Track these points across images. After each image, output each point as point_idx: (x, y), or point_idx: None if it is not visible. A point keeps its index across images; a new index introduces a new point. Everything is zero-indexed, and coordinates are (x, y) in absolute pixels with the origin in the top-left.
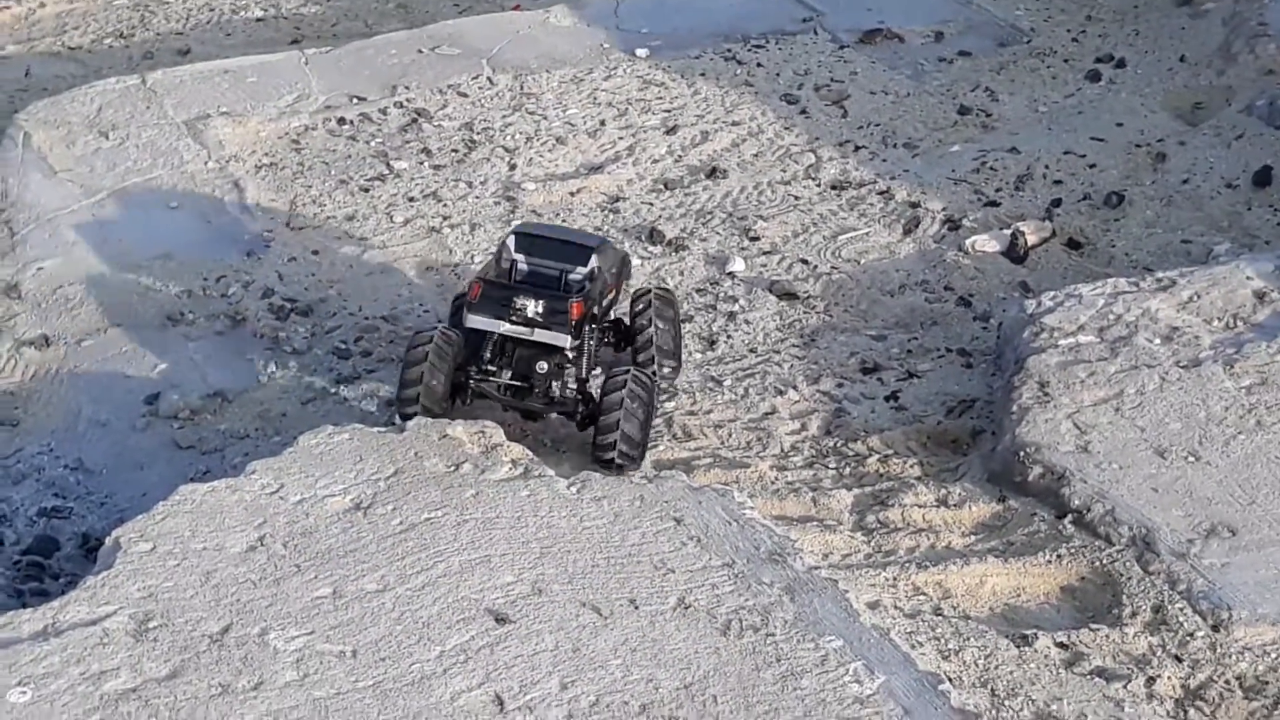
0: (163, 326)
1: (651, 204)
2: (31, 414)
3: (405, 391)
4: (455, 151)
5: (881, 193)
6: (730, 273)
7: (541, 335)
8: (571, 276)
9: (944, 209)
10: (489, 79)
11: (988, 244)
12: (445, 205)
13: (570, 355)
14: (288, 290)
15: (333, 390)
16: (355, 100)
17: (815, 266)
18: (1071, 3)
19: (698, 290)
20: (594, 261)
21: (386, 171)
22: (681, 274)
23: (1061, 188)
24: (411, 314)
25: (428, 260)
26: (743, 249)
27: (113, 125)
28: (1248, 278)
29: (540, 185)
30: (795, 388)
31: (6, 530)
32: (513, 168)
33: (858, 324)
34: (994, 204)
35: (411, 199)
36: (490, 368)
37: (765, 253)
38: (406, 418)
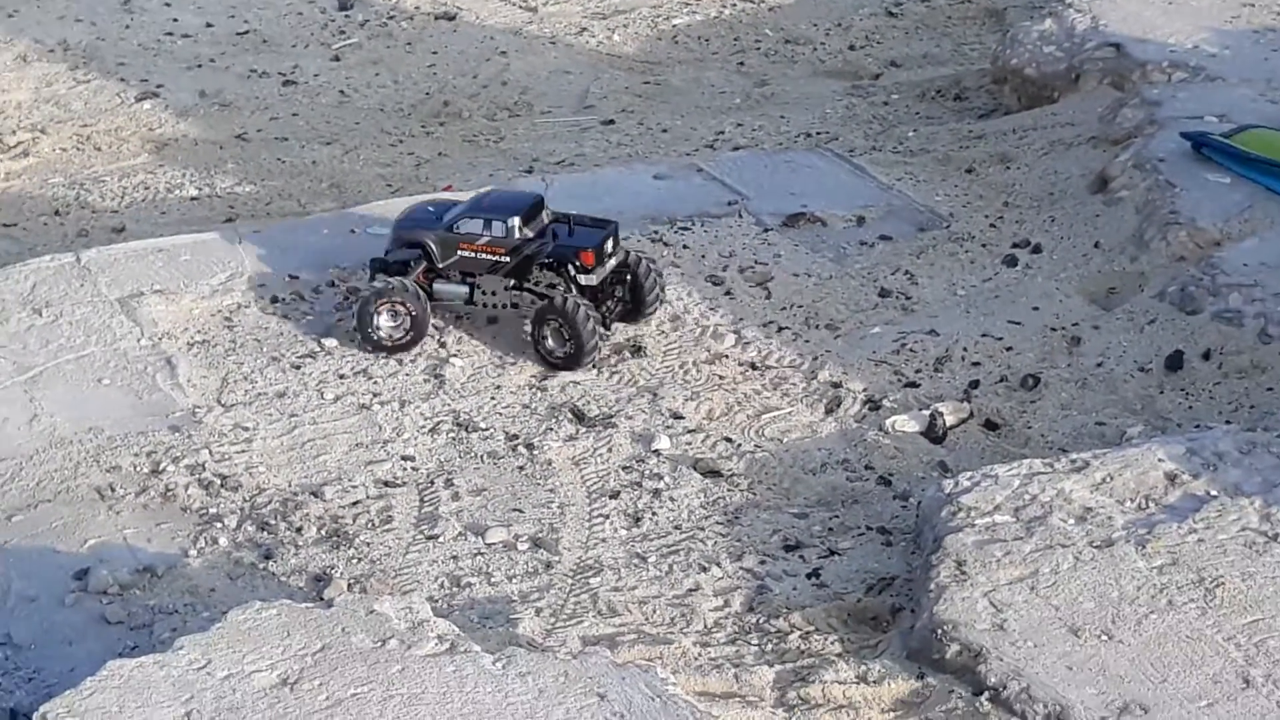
0: (93, 502)
1: (578, 382)
2: None
3: (590, 345)
4: None
5: (804, 373)
6: (655, 450)
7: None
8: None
9: (865, 389)
10: None
11: (907, 424)
12: (375, 382)
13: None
14: (217, 466)
15: (261, 565)
16: (288, 279)
17: (739, 445)
18: (989, 189)
19: (623, 468)
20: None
21: (318, 349)
22: (609, 450)
23: (979, 369)
24: (340, 489)
25: (357, 437)
26: (668, 427)
27: (46, 302)
28: (1159, 460)
29: (468, 362)
30: (719, 564)
31: None
32: (442, 345)
33: (780, 502)
34: (914, 385)
35: (342, 376)
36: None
37: (690, 431)
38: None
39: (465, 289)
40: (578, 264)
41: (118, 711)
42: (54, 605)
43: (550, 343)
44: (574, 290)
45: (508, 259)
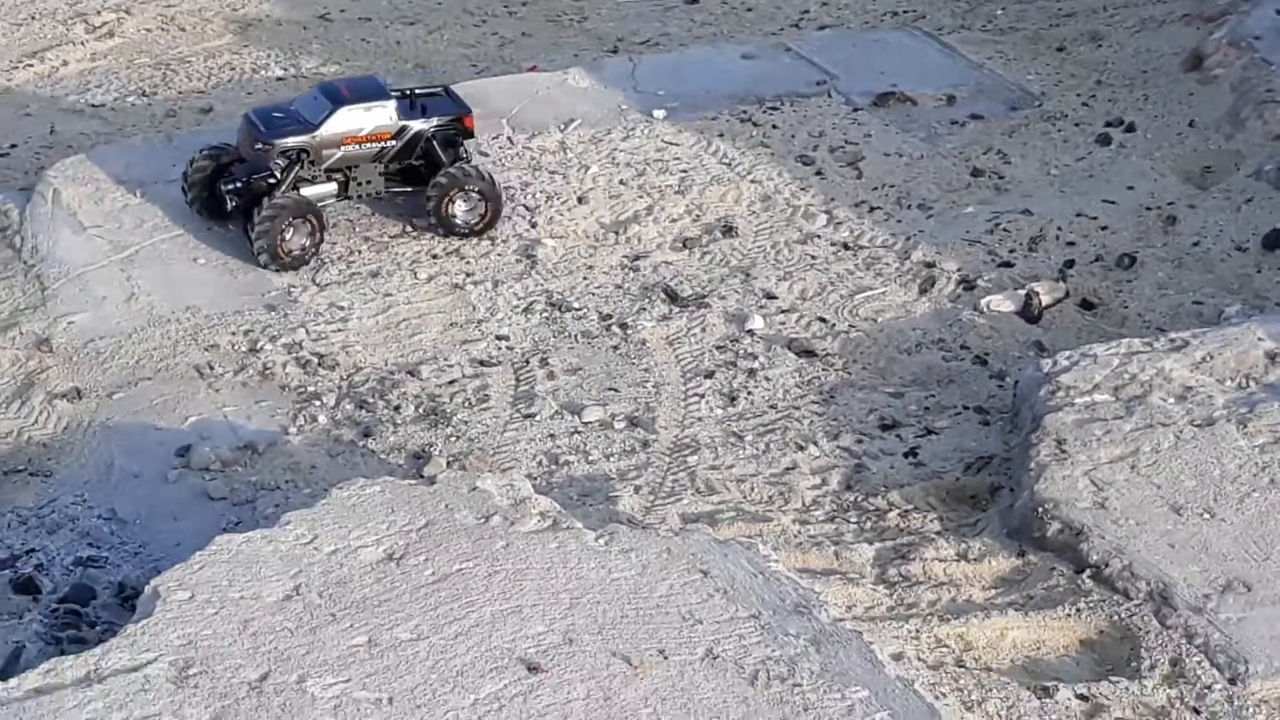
0: (192, 380)
1: (671, 262)
2: (65, 465)
3: (502, 202)
4: None
5: (897, 253)
6: (750, 330)
7: None
8: None
9: (959, 269)
10: (509, 138)
11: (1002, 304)
12: (468, 262)
13: None
14: (314, 345)
15: (360, 443)
16: None
17: (833, 325)
18: (1081, 68)
19: (717, 347)
20: None
21: (409, 228)
22: (703, 330)
23: (1074, 249)
24: (436, 368)
25: (452, 316)
26: (761, 307)
27: (140, 182)
28: (1259, 339)
29: (559, 243)
30: (815, 443)
31: (43, 579)
32: (533, 225)
33: (876, 381)
34: (1008, 264)
35: (434, 256)
36: None
37: (783, 311)
38: None
39: (333, 185)
40: (462, 130)
41: (228, 585)
42: (157, 481)
43: (462, 214)
44: (449, 158)
45: (393, 143)
